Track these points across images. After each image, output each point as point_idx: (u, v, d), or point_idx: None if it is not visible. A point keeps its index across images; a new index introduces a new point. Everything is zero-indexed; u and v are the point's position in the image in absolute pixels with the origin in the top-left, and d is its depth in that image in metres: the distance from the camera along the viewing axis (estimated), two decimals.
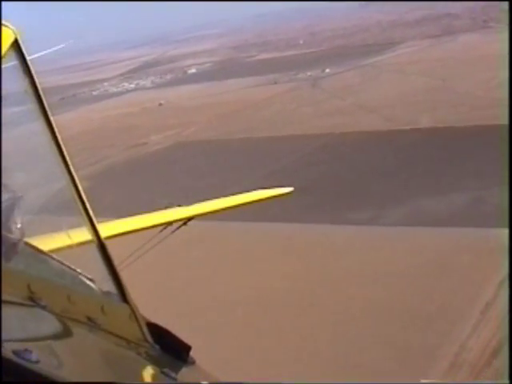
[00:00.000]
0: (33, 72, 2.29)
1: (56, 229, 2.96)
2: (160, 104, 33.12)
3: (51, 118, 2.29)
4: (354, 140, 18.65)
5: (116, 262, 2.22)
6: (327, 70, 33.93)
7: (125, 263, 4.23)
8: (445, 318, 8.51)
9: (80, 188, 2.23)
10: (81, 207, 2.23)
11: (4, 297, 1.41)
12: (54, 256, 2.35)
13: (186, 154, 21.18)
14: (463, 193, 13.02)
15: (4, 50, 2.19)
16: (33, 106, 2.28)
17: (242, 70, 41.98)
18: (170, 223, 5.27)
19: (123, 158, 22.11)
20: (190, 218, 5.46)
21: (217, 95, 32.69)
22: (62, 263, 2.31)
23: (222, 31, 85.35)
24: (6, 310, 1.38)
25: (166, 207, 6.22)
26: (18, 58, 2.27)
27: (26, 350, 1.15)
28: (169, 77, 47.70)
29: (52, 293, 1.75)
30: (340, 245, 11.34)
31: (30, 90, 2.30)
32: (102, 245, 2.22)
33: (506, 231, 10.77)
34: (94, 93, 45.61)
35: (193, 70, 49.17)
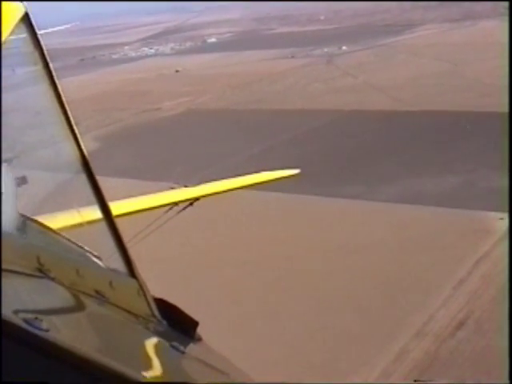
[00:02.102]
0: (43, 45, 2.35)
1: (64, 207, 2.94)
2: (177, 71, 33.54)
3: (61, 93, 2.31)
4: (360, 118, 19.09)
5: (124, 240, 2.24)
6: (344, 48, 34.15)
7: (131, 242, 4.23)
8: (418, 289, 9.03)
9: (91, 167, 2.26)
10: (91, 185, 2.26)
11: (13, 267, 1.42)
12: (62, 233, 2.40)
13: (197, 121, 21.69)
14: (459, 176, 13.47)
15: (14, 23, 2.25)
16: (42, 79, 2.33)
17: (261, 43, 42.24)
18: (175, 203, 5.49)
19: (136, 122, 22.65)
20: (195, 199, 5.68)
21: (233, 65, 33.07)
22: (70, 240, 2.35)
23: (246, 2, 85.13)
24: (15, 280, 1.41)
25: (172, 188, 6.59)
26: (28, 31, 2.34)
27: (36, 318, 1.16)
28: (188, 44, 48.02)
29: (61, 266, 1.76)
30: (331, 216, 11.86)
31: (39, 64, 2.34)
32: (111, 220, 2.25)
33: (492, 214, 11.32)
34: (114, 56, 46.02)
35: (212, 40, 49.43)
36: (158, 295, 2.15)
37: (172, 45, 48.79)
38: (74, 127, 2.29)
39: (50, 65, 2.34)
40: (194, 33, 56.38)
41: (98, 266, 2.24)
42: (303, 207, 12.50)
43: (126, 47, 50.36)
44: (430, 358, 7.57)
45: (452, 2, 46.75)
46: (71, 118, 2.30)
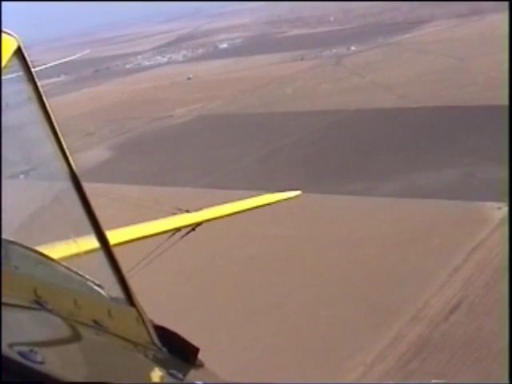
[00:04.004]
0: (36, 79, 2.35)
1: (61, 237, 2.92)
2: (188, 78, 34.07)
3: (56, 126, 2.29)
4: (365, 116, 19.50)
5: (124, 268, 2.26)
6: (352, 48, 34.52)
7: (134, 270, 4.46)
8: (415, 278, 9.44)
9: (87, 196, 2.24)
10: (87, 214, 2.24)
11: (10, 300, 1.42)
12: (61, 262, 2.38)
13: (208, 126, 22.20)
14: (458, 169, 13.83)
15: (7, 58, 2.25)
16: (37, 113, 2.31)
17: (272, 46, 42.70)
18: (178, 229, 5.43)
19: (148, 130, 23.20)
20: (198, 224, 5.63)
21: (244, 70, 33.57)
22: (70, 269, 2.34)
23: (257, 5, 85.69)
24: (12, 313, 1.39)
25: (174, 213, 6.65)
26: (22, 65, 2.34)
27: (31, 350, 1.16)
28: (200, 51, 48.60)
29: (58, 296, 1.75)
30: (333, 213, 12.30)
31: (33, 98, 2.33)
32: (108, 249, 2.24)
33: (489, 204, 11.70)
34: (127, 66, 46.71)
35: (224, 45, 49.96)
36: (162, 322, 2.16)
37: (184, 52, 49.41)
38: (71, 160, 2.28)
39: (45, 100, 2.33)
40: (205, 39, 57.02)
41: (97, 295, 2.24)
42: (307, 204, 12.90)
43: (139, 56, 51.06)
44: (423, 341, 7.98)
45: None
46: (67, 152, 2.28)
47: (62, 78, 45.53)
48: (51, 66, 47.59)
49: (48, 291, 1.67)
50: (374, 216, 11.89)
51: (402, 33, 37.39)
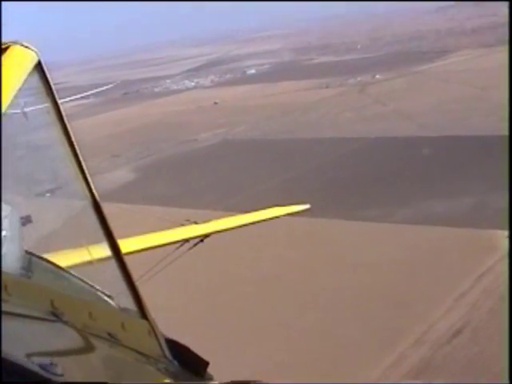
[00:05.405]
0: (55, 93, 2.31)
1: (76, 244, 2.91)
2: (215, 103, 34.69)
3: (74, 141, 2.28)
4: (384, 144, 19.84)
5: (135, 277, 2.27)
6: (377, 76, 34.96)
7: (143, 278, 4.43)
8: (422, 303, 9.73)
9: (100, 205, 2.25)
10: (100, 223, 2.24)
11: (28, 311, 1.45)
12: (75, 273, 2.41)
13: (232, 151, 22.65)
14: (471, 197, 14.10)
15: (27, 71, 2.24)
16: (55, 127, 2.29)
17: (299, 73, 43.28)
18: (187, 240, 5.47)
19: (174, 153, 23.74)
20: (206, 235, 5.69)
21: (269, 96, 34.09)
22: (82, 280, 2.37)
23: (288, 32, 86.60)
24: (29, 324, 1.43)
25: (182, 224, 6.30)
26: (41, 78, 2.31)
27: (51, 363, 1.17)
28: (228, 76, 49.35)
29: (74, 309, 1.77)
30: (348, 238, 12.62)
31: (52, 111, 2.30)
32: (121, 261, 2.24)
33: (499, 232, 11.96)
34: (156, 89, 47.56)
35: (252, 71, 50.67)
36: (171, 333, 2.21)
37: (212, 77, 50.22)
38: (85, 169, 2.30)
39: (63, 113, 2.31)
40: (234, 64, 57.85)
41: (110, 307, 2.26)
42: (323, 230, 13.25)
43: (168, 80, 51.96)
44: (424, 363, 8.27)
45: (488, 28, 47.10)
46: (82, 161, 2.29)
47: (91, 99, 46.41)
48: (86, 96, 48.15)
49: (64, 303, 1.70)
50: (386, 242, 12.20)
51: (428, 62, 37.78)
